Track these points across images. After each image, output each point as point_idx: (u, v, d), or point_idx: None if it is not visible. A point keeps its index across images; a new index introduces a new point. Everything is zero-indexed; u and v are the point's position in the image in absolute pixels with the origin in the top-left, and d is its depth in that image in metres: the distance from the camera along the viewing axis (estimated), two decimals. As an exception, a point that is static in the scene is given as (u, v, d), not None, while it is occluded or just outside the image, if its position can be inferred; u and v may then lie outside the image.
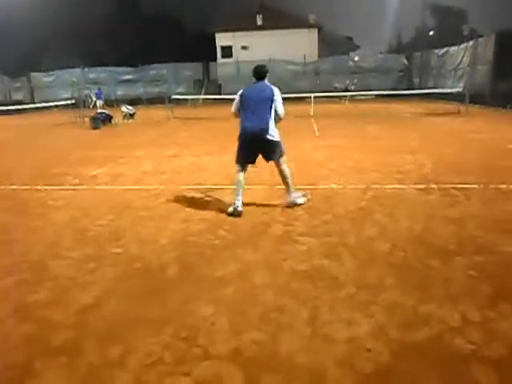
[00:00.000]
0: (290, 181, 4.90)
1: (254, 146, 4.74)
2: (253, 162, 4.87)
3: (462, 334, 2.47)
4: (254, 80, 4.83)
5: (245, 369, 2.26)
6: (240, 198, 4.77)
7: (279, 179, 4.97)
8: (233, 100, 4.92)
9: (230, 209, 4.75)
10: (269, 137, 4.64)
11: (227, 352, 2.40)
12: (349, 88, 25.63)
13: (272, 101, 4.64)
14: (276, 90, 4.69)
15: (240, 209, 4.73)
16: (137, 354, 2.41)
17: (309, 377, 2.19)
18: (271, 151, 4.76)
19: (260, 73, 4.81)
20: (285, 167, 4.87)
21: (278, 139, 4.79)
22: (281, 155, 4.83)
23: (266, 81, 4.81)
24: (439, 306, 2.78)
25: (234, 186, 4.83)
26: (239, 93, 4.85)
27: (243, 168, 4.84)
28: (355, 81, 26.33)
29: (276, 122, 4.77)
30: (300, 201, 4.99)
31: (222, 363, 2.31)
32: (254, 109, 4.65)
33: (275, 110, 4.69)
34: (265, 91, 4.69)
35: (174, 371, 2.27)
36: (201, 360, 2.34)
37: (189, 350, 2.42)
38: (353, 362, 2.29)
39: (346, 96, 23.00)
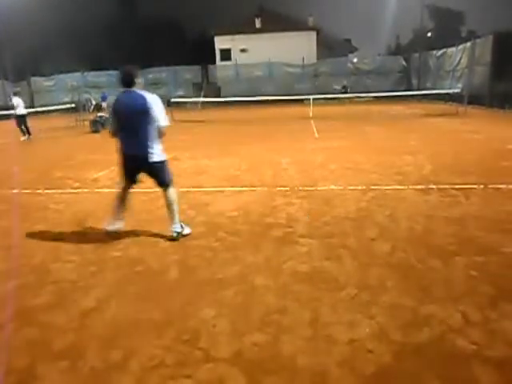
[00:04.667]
0: (176, 208, 4.15)
1: (138, 170, 4.09)
2: (136, 182, 4.23)
3: (463, 335, 2.48)
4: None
5: (246, 371, 2.26)
6: (118, 217, 4.25)
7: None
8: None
9: (109, 227, 4.26)
10: (153, 159, 3.92)
11: (229, 354, 2.40)
12: (347, 89, 25.71)
13: (148, 113, 3.79)
14: (152, 99, 3.81)
15: (112, 229, 4.23)
16: (138, 357, 2.41)
17: (310, 378, 2.20)
18: (160, 174, 4.05)
19: (126, 78, 3.81)
20: (174, 192, 4.15)
21: (165, 158, 4.06)
22: (171, 179, 4.14)
23: (137, 88, 3.86)
24: (440, 306, 2.78)
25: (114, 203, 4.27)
26: (111, 104, 3.97)
27: (127, 186, 4.23)
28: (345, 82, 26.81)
29: (160, 137, 4.00)
30: (187, 231, 4.24)
31: (224, 366, 2.31)
32: (128, 127, 3.85)
33: (156, 123, 3.87)
34: (136, 102, 3.77)
35: (175, 374, 2.27)
36: (202, 363, 2.34)
37: (190, 353, 2.43)
38: (354, 363, 2.29)
39: (347, 98, 23.15)
